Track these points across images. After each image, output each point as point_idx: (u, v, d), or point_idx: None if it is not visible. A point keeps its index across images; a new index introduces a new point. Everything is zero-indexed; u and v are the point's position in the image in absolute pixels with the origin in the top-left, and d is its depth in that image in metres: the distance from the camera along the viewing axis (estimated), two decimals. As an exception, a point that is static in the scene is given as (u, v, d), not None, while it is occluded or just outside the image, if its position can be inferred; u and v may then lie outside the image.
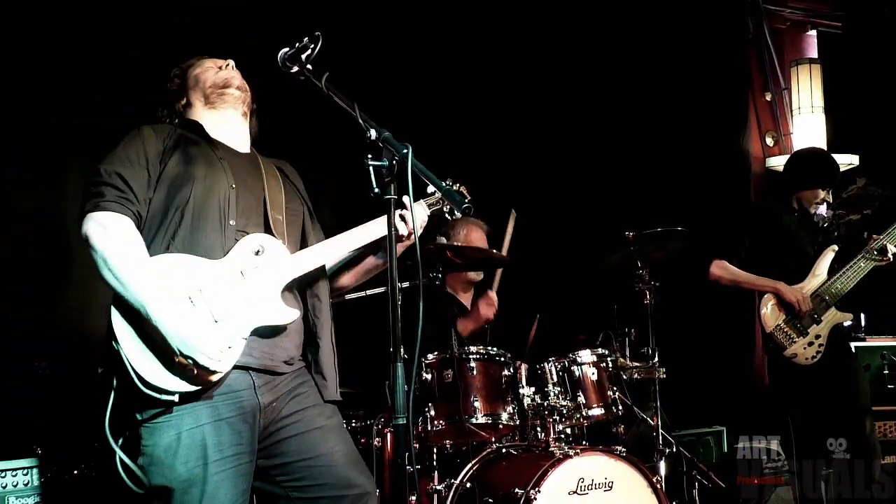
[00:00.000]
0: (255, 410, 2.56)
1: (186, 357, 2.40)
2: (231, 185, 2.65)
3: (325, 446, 2.66)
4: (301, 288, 2.77)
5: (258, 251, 2.61)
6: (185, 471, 2.43)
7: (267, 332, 2.60)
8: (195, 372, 2.42)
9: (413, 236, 2.69)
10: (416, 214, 2.66)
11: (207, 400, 2.48)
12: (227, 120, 2.85)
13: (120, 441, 2.47)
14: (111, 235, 2.47)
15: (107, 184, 2.53)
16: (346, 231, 2.77)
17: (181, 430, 2.45)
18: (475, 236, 4.71)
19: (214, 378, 2.46)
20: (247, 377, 2.56)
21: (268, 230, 2.68)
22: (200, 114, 2.85)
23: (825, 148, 6.31)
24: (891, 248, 4.29)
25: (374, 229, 2.77)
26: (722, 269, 4.44)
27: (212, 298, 2.49)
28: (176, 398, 2.42)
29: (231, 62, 2.92)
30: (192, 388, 2.44)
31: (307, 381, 2.73)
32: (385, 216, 2.34)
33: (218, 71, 2.87)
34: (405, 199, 2.54)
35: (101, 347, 2.51)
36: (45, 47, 4.24)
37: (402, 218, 2.68)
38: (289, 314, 2.63)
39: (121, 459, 2.46)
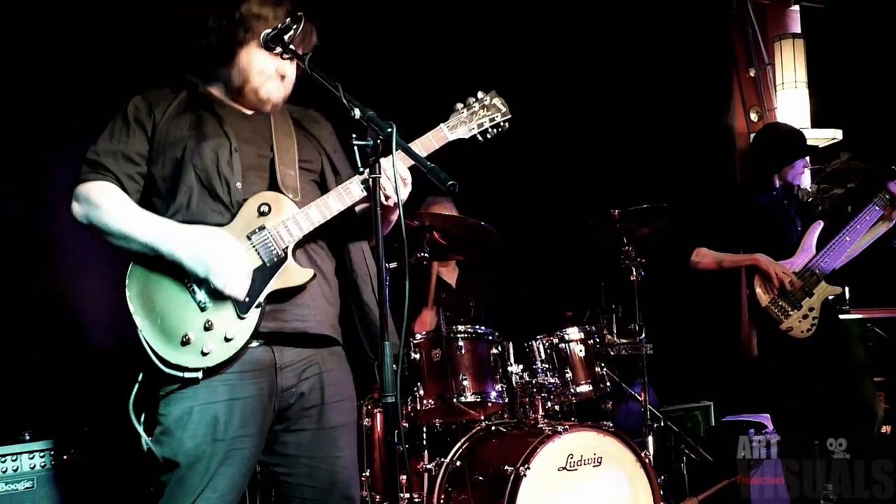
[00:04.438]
0: (273, 393, 2.50)
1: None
2: (234, 147, 2.54)
3: (332, 448, 2.58)
4: (332, 246, 2.67)
5: (263, 211, 2.50)
6: (192, 445, 2.38)
7: (287, 296, 2.50)
8: (209, 338, 2.37)
9: (392, 200, 2.47)
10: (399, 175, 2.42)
11: (226, 377, 2.43)
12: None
13: (143, 417, 2.43)
14: (94, 201, 2.45)
15: (84, 164, 2.51)
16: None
17: (195, 403, 2.41)
18: (446, 211, 4.61)
19: (225, 349, 2.39)
20: (269, 354, 2.49)
21: (275, 187, 2.55)
22: (218, 86, 2.66)
23: (808, 123, 6.36)
24: None
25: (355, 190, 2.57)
26: (702, 255, 4.45)
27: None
28: (200, 375, 2.39)
29: (290, 76, 2.63)
30: (210, 363, 2.39)
31: (337, 369, 2.64)
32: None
33: (269, 81, 2.59)
34: (383, 161, 2.35)
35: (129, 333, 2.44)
36: (45, 47, 4.20)
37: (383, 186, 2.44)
38: (302, 274, 2.50)
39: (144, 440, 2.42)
